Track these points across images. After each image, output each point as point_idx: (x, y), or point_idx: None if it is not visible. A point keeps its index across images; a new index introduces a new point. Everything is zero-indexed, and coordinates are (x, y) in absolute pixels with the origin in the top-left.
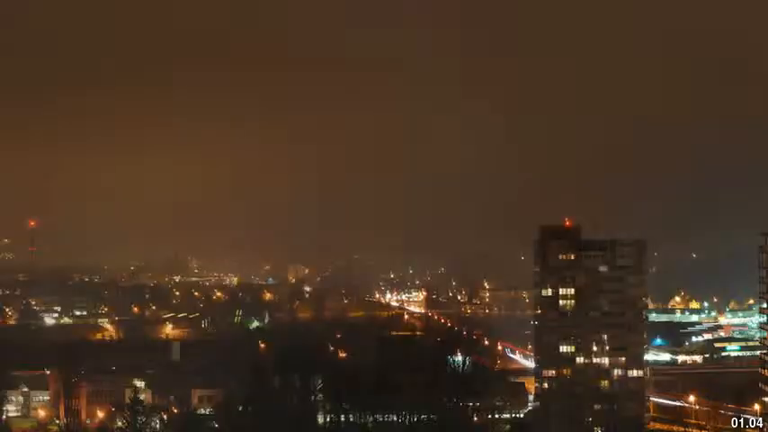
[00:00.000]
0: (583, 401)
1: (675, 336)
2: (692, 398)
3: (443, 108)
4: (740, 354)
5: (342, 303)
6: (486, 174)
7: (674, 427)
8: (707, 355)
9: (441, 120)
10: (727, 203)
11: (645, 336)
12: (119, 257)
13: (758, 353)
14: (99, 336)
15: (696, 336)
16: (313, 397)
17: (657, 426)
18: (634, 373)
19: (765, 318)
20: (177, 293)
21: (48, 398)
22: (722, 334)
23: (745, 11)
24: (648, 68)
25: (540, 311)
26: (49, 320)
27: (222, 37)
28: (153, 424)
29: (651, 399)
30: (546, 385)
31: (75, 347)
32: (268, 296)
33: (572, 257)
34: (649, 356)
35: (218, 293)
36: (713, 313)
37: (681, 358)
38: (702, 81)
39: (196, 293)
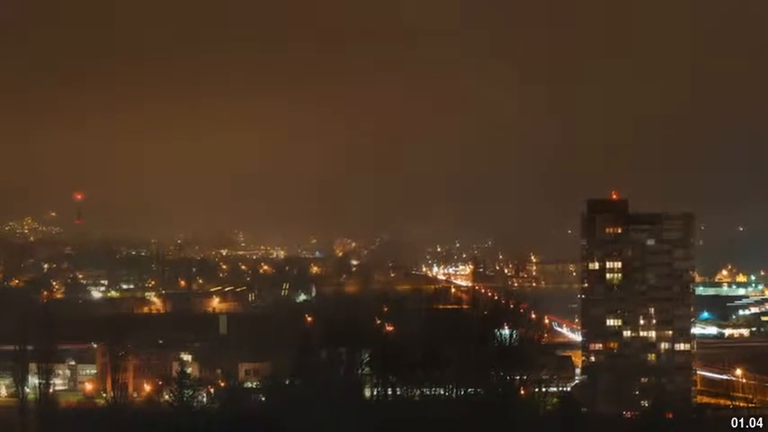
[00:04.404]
0: (630, 375)
1: (722, 309)
2: (738, 371)
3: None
4: None
5: (388, 277)
6: (534, 147)
7: (721, 401)
8: (754, 329)
9: (490, 94)
10: None
11: (692, 309)
12: (166, 231)
13: None
14: (146, 309)
15: (743, 309)
16: (360, 370)
17: (705, 399)
18: (681, 346)
19: None
20: (224, 267)
21: (95, 371)
22: None
23: None
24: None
25: (587, 285)
26: (96, 294)
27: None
28: (200, 397)
29: (698, 372)
30: (593, 358)
31: (122, 321)
32: (315, 270)
33: (619, 231)
34: (696, 330)
35: (265, 267)
36: (760, 287)
37: (728, 332)
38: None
39: (243, 267)
